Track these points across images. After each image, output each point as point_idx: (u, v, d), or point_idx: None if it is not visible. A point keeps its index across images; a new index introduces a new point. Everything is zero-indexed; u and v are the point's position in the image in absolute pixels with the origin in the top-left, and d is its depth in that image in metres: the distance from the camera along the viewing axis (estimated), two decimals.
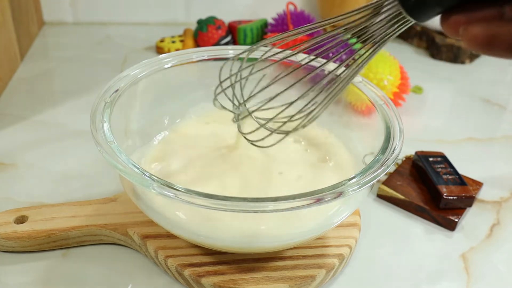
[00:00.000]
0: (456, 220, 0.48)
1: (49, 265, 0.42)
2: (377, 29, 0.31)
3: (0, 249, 0.42)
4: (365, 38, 0.32)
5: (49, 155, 0.55)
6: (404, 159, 0.56)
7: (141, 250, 0.43)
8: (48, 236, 0.42)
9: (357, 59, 0.33)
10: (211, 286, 0.38)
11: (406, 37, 0.91)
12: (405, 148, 0.43)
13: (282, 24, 0.76)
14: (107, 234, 0.43)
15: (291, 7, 0.77)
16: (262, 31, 0.82)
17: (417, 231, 0.48)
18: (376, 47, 0.32)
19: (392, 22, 0.29)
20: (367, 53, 0.33)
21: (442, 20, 0.26)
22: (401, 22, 0.29)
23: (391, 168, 0.53)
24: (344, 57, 0.69)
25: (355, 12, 0.31)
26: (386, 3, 0.29)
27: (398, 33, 0.30)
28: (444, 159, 0.53)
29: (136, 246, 0.43)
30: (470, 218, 0.50)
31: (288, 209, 0.32)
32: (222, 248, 0.39)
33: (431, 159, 0.53)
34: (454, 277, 0.43)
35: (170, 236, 0.42)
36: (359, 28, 0.32)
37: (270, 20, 0.79)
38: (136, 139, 0.45)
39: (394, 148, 0.37)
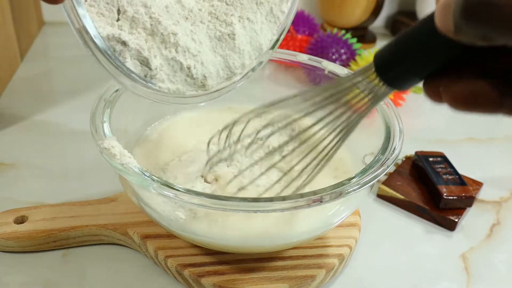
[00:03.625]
0: (456, 220, 0.48)
1: (49, 265, 0.42)
2: (360, 99, 0.31)
3: (0, 249, 0.42)
4: (347, 110, 0.32)
5: (49, 155, 0.55)
6: (404, 159, 0.56)
7: (141, 250, 0.43)
8: (48, 236, 0.42)
9: (343, 128, 0.33)
10: (211, 286, 0.38)
11: None
12: (405, 148, 0.43)
13: None
14: (107, 234, 0.43)
15: None
16: None
17: (417, 231, 0.48)
18: (361, 116, 0.32)
19: (374, 92, 0.30)
20: (352, 122, 0.32)
21: (424, 85, 0.26)
22: (383, 91, 0.29)
23: (391, 168, 0.53)
24: (344, 57, 0.69)
25: (334, 87, 0.32)
26: (367, 78, 0.29)
27: (380, 101, 0.31)
28: (444, 159, 0.53)
29: (136, 246, 0.43)
30: (470, 218, 0.50)
31: (288, 209, 0.32)
32: (222, 248, 0.39)
33: (431, 159, 0.53)
34: (454, 277, 0.43)
35: (170, 236, 0.42)
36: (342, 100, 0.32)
37: None
38: (135, 138, 0.45)
39: (394, 148, 0.37)
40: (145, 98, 0.35)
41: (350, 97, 0.31)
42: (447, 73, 0.25)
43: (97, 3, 0.32)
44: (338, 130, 0.33)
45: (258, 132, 0.37)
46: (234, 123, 0.37)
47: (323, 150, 0.34)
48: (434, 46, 0.25)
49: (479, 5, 0.20)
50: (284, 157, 0.37)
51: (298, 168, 0.36)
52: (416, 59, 0.26)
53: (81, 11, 0.31)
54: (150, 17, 0.33)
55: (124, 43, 0.32)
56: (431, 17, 0.24)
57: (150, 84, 0.34)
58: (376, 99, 0.30)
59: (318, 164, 0.35)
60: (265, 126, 0.36)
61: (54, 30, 0.86)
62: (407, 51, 0.26)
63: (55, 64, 0.75)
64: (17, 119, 0.61)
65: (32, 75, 0.72)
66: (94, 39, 0.32)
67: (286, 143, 0.36)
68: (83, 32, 0.31)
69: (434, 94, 0.26)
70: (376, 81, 0.29)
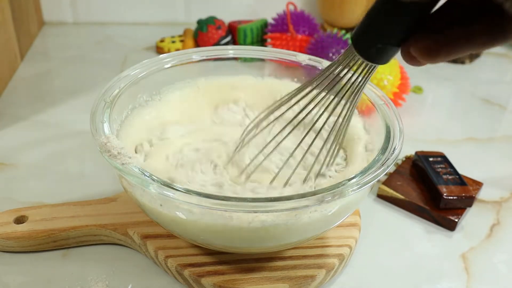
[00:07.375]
0: (456, 220, 0.48)
1: (49, 265, 0.42)
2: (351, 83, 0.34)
3: (0, 249, 0.42)
4: (341, 93, 0.35)
5: (49, 155, 0.55)
6: (404, 159, 0.56)
7: (141, 250, 0.43)
8: (48, 236, 0.42)
9: (341, 112, 0.36)
10: (211, 286, 0.38)
11: None
12: (405, 148, 0.43)
13: (282, 24, 0.76)
14: (107, 234, 0.43)
15: (291, 7, 0.77)
16: (262, 31, 0.82)
17: (417, 231, 0.48)
18: (355, 97, 0.35)
19: (361, 73, 0.33)
20: (348, 105, 0.36)
21: (401, 52, 0.30)
22: (369, 70, 0.33)
23: (391, 168, 0.53)
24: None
25: (325, 73, 0.35)
26: (351, 60, 0.32)
27: (368, 80, 0.34)
28: (444, 159, 0.53)
29: (136, 246, 0.43)
30: (470, 218, 0.50)
31: (288, 209, 0.32)
32: (222, 248, 0.39)
33: (431, 159, 0.53)
34: (454, 277, 0.43)
35: (170, 236, 0.42)
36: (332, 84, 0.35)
37: (270, 20, 0.79)
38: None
39: (394, 148, 0.37)
40: None
41: (341, 85, 0.35)
42: (413, 34, 0.29)
43: None
44: (341, 116, 0.36)
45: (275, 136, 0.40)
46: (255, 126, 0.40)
47: (330, 135, 0.38)
48: (397, 10, 0.28)
49: None
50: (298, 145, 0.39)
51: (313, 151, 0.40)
52: (386, 27, 0.29)
53: None
54: None
55: None
56: None
57: None
58: (363, 80, 0.33)
59: (330, 149, 0.39)
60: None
61: (54, 30, 0.86)
62: (377, 22, 0.30)
63: (55, 64, 0.75)
64: (17, 119, 0.61)
65: (32, 75, 0.72)
66: None
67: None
68: None
69: (408, 56, 0.30)
70: (359, 61, 0.32)
